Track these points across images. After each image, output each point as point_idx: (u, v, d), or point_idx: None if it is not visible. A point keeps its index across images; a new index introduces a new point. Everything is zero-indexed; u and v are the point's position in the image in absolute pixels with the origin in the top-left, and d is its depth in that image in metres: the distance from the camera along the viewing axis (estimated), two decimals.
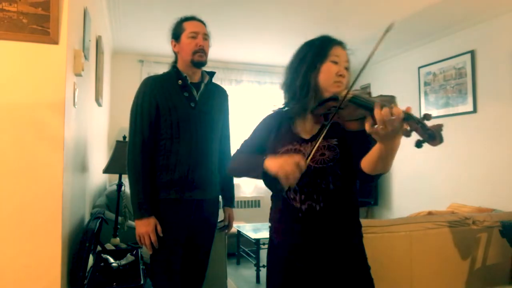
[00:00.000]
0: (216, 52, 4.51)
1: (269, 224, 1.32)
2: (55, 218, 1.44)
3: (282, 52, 4.64)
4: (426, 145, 0.90)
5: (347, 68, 1.21)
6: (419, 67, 4.17)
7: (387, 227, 2.04)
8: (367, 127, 0.93)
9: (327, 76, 1.17)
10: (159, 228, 1.60)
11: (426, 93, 4.09)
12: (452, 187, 3.73)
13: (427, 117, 0.89)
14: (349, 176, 1.17)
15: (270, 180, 1.06)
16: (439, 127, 0.88)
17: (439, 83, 3.92)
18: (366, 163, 1.06)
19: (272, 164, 1.05)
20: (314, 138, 1.20)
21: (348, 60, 1.22)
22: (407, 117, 0.90)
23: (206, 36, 1.72)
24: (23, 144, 1.41)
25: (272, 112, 1.34)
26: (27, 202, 1.40)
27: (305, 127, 1.23)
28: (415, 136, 0.91)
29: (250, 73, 5.15)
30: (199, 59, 1.68)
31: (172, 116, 1.64)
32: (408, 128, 0.91)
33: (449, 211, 2.70)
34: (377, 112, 0.90)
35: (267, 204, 5.46)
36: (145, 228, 1.57)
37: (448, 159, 3.77)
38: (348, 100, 1.06)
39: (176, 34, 1.72)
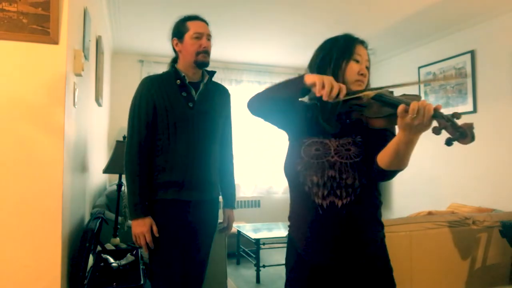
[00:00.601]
0: (216, 52, 4.51)
1: (288, 223, 1.29)
2: (55, 218, 1.44)
3: (282, 52, 4.64)
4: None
5: (367, 68, 1.23)
6: (419, 67, 4.17)
7: (387, 227, 2.01)
8: (400, 110, 0.93)
9: (349, 75, 1.18)
10: (154, 228, 1.59)
11: (426, 93, 4.09)
12: (452, 187, 3.73)
13: (457, 115, 0.90)
14: (372, 170, 1.14)
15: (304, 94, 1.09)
16: (470, 126, 0.88)
17: (439, 83, 3.92)
18: (382, 156, 1.06)
19: (313, 75, 1.07)
20: (339, 135, 1.18)
21: (369, 59, 1.25)
22: (436, 114, 0.91)
23: (209, 37, 1.71)
24: (23, 144, 1.41)
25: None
26: (27, 202, 1.40)
27: (331, 123, 1.21)
28: (437, 135, 0.92)
29: (250, 73, 5.14)
30: (202, 60, 1.68)
31: (169, 116, 1.63)
32: (438, 125, 0.91)
33: (449, 211, 2.70)
34: (414, 103, 0.91)
35: (267, 204, 5.49)
36: (140, 228, 1.57)
37: (448, 159, 3.77)
38: (372, 98, 1.07)
39: (179, 33, 1.70)
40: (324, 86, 1.02)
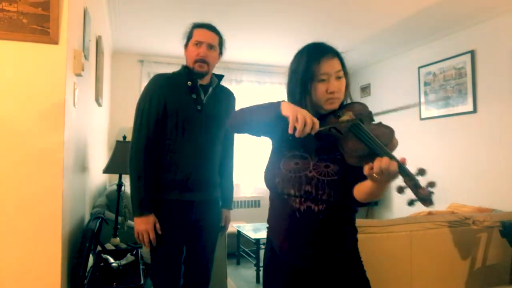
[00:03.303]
0: None
1: (267, 225, 1.32)
2: (55, 218, 1.44)
3: (282, 52, 4.64)
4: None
5: (339, 77, 1.17)
6: (419, 67, 4.17)
7: (387, 227, 2.04)
8: (365, 170, 0.96)
9: (318, 96, 1.16)
10: (157, 226, 1.61)
11: (426, 93, 4.09)
12: (452, 187, 3.73)
13: (422, 172, 0.91)
14: (348, 190, 1.15)
15: (279, 120, 1.08)
16: (429, 190, 0.90)
17: (439, 83, 3.92)
18: (358, 194, 1.10)
19: (288, 107, 1.06)
20: (320, 150, 1.19)
21: (341, 64, 1.18)
22: (402, 172, 0.93)
23: (211, 46, 1.70)
24: (23, 144, 1.40)
25: None
26: (27, 202, 1.40)
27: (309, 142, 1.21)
28: (400, 194, 0.93)
29: (250, 73, 5.15)
30: (198, 69, 1.68)
31: (179, 117, 1.65)
32: (403, 184, 0.93)
33: (449, 211, 2.70)
34: (377, 163, 0.93)
35: (266, 204, 5.44)
36: (144, 225, 1.58)
37: (448, 159, 3.77)
38: (347, 127, 1.07)
39: (187, 39, 1.73)
40: (297, 121, 1.02)
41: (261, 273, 3.45)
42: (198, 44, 1.68)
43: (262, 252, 3.46)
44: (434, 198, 0.92)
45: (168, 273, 1.63)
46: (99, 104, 2.87)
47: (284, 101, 1.13)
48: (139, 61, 4.65)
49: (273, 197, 1.28)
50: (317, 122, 1.04)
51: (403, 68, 4.44)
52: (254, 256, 3.55)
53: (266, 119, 1.14)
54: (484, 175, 3.40)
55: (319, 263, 1.18)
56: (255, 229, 3.80)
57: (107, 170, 2.44)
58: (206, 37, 1.69)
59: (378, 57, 4.77)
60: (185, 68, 1.74)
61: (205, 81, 1.75)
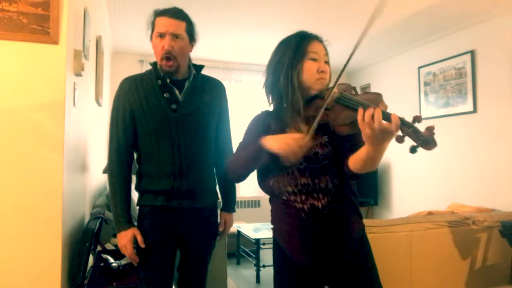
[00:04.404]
0: (216, 52, 4.51)
1: (272, 227, 1.31)
2: (55, 218, 1.44)
3: None
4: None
5: (327, 62, 1.21)
6: (419, 67, 4.17)
7: (387, 227, 2.04)
8: (359, 121, 0.93)
9: (308, 75, 1.16)
10: (139, 238, 1.46)
11: (426, 93, 4.09)
12: (452, 187, 3.73)
13: (418, 119, 0.87)
14: (343, 172, 1.17)
15: (275, 159, 1.09)
16: (430, 132, 0.85)
17: (439, 83, 3.92)
18: (354, 163, 1.08)
19: (272, 143, 1.07)
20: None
21: (327, 53, 1.22)
22: (399, 120, 0.89)
23: (176, 36, 1.45)
24: (23, 144, 1.41)
25: (260, 113, 1.33)
26: (27, 202, 1.40)
27: (298, 128, 1.20)
28: (408, 141, 0.89)
29: (250, 73, 5.14)
30: (166, 68, 1.46)
31: (148, 122, 1.47)
32: (401, 133, 0.89)
33: (449, 211, 2.70)
34: (360, 114, 0.92)
35: (267, 204, 5.44)
36: (122, 240, 1.47)
37: (448, 159, 3.77)
38: (334, 100, 1.06)
39: (151, 31, 1.51)
40: (290, 154, 1.03)
41: (261, 273, 3.45)
42: (162, 35, 1.44)
43: (262, 252, 3.48)
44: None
45: (156, 281, 1.50)
46: (99, 104, 2.87)
47: (263, 138, 1.12)
48: (139, 61, 4.65)
49: (274, 201, 1.28)
50: (305, 138, 1.03)
51: (403, 68, 4.44)
52: (254, 256, 3.55)
53: (259, 164, 1.19)
54: (484, 175, 3.40)
55: (330, 260, 1.18)
56: (255, 229, 3.80)
57: (107, 170, 2.44)
58: (169, 26, 1.44)
59: (378, 57, 4.76)
60: (155, 65, 1.52)
61: (180, 75, 1.52)
